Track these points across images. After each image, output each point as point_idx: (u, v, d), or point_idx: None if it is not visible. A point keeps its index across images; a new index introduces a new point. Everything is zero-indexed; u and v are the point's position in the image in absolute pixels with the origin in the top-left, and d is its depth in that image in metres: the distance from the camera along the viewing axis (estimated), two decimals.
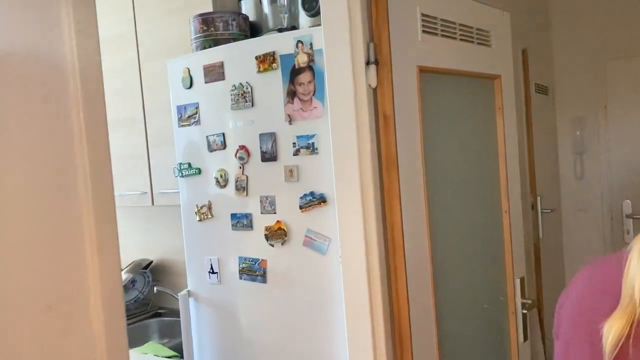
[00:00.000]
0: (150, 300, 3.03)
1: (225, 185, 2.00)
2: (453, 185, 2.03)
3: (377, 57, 1.67)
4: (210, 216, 2.05)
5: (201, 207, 2.07)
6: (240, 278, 1.99)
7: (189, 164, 2.09)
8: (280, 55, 1.85)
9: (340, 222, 1.72)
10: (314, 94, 1.79)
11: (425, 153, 1.80)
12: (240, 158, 1.95)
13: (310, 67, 1.79)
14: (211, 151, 2.03)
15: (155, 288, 2.77)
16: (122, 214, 3.20)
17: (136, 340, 2.82)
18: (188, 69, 2.07)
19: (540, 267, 3.16)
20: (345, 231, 1.72)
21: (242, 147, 1.94)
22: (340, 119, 1.70)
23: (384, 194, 1.72)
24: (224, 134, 1.99)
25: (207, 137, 2.03)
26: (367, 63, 1.66)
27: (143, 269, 2.97)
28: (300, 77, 1.81)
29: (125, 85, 2.59)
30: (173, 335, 2.85)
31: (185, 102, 2.09)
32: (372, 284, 1.70)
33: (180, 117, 2.11)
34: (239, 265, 1.99)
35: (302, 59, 1.80)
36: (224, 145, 1.99)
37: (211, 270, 2.07)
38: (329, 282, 1.81)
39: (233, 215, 1.99)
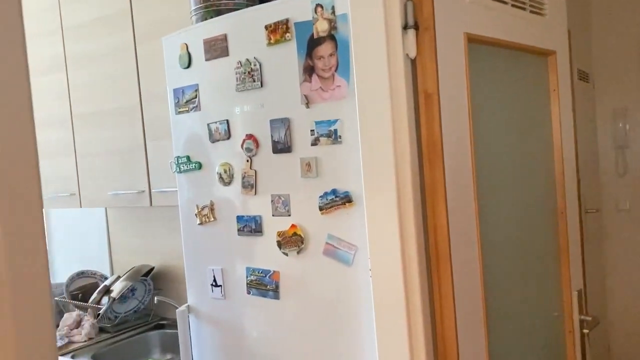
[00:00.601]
0: (151, 311, 2.69)
1: (230, 182, 1.64)
2: (504, 180, 1.66)
3: (416, 19, 1.31)
4: (212, 219, 1.70)
5: (202, 208, 1.71)
6: (248, 293, 1.63)
7: (188, 158, 1.74)
8: (295, 23, 1.49)
9: (370, 226, 1.36)
10: (336, 70, 1.43)
11: (474, 140, 1.43)
12: (248, 149, 1.59)
13: (332, 37, 1.43)
14: (213, 142, 1.68)
15: (155, 298, 2.42)
16: (119, 214, 2.88)
17: (136, 355, 2.48)
18: (186, 44, 1.72)
19: (585, 276, 2.77)
20: (376, 238, 1.36)
21: (250, 137, 1.59)
22: (370, 99, 1.34)
23: (426, 191, 1.35)
24: (227, 121, 1.63)
25: (208, 125, 1.68)
26: (405, 27, 1.30)
27: (143, 276, 2.62)
28: (319, 49, 1.45)
29: (119, 70, 2.25)
30: (177, 350, 2.50)
31: (183, 85, 1.74)
32: (411, 302, 1.34)
33: (178, 102, 1.76)
34: (247, 277, 1.63)
35: (322, 27, 1.45)
36: (228, 135, 1.64)
37: (214, 283, 1.71)
38: (355, 300, 1.45)
39: (239, 218, 1.63)
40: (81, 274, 2.78)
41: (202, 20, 1.73)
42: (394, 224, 1.33)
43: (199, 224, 1.73)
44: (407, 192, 1.31)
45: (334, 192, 1.45)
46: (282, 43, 1.51)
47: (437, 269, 1.36)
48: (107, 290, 2.55)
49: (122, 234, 2.86)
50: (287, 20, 1.50)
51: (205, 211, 1.70)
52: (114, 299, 2.49)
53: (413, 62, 1.32)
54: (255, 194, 1.59)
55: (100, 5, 2.28)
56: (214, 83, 1.66)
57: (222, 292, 1.70)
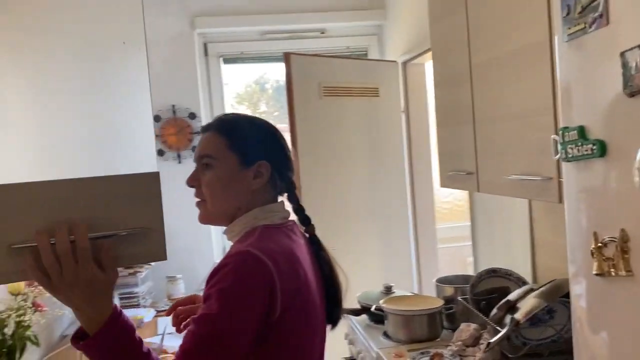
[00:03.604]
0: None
1: None
2: None
3: None
4: (622, 272, 0.72)
5: (604, 244, 0.75)
6: None
7: (581, 131, 0.79)
8: None
9: None
10: None
11: None
12: None
13: None
14: (632, 94, 0.68)
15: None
16: (548, 205, 2.00)
17: None
18: None
19: None
20: None
21: None
22: None
23: None
24: None
25: (622, 54, 0.69)
26: None
27: (565, 296, 1.73)
28: None
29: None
30: None
31: None
32: None
33: (567, 14, 0.82)
34: None
35: None
36: None
37: None
38: None
39: None
40: (492, 273, 2.08)
41: None
42: None
43: (596, 274, 0.78)
44: None
45: None
46: None
47: None
48: (510, 307, 1.78)
49: (549, 231, 1.99)
50: None
51: (610, 251, 0.74)
52: (518, 322, 1.71)
53: None
54: None
55: None
56: None
57: None
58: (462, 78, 1.76)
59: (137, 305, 2.83)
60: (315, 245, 1.24)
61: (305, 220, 1.25)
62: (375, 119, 3.06)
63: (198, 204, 1.17)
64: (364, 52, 3.51)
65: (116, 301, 2.67)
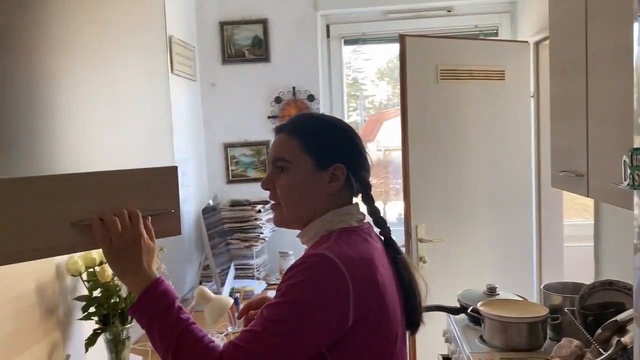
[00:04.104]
0: None
1: None
2: None
3: None
4: None
5: None
6: None
7: None
8: None
9: None
10: None
11: None
12: None
13: None
14: None
15: None
16: None
17: None
18: None
19: None
20: None
21: None
22: None
23: None
24: None
25: None
26: None
27: None
28: None
29: None
30: None
31: None
32: None
33: None
34: None
35: None
36: None
37: None
38: None
39: None
40: (608, 285, 1.83)
41: None
42: None
43: None
44: None
45: None
46: None
47: None
48: (619, 328, 1.57)
49: None
50: None
51: None
52: (625, 347, 1.50)
53: None
54: None
55: None
56: None
57: None
58: (577, 68, 1.56)
59: (252, 277, 2.99)
60: (392, 249, 1.19)
61: (381, 222, 1.20)
62: (499, 104, 2.84)
63: (273, 207, 1.18)
64: (495, 31, 3.26)
65: (231, 271, 2.89)
